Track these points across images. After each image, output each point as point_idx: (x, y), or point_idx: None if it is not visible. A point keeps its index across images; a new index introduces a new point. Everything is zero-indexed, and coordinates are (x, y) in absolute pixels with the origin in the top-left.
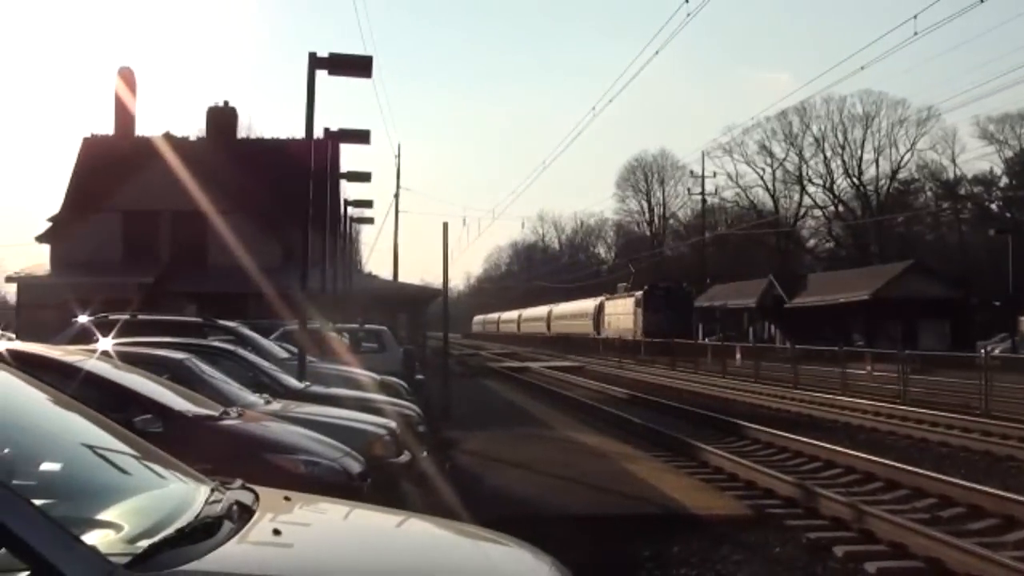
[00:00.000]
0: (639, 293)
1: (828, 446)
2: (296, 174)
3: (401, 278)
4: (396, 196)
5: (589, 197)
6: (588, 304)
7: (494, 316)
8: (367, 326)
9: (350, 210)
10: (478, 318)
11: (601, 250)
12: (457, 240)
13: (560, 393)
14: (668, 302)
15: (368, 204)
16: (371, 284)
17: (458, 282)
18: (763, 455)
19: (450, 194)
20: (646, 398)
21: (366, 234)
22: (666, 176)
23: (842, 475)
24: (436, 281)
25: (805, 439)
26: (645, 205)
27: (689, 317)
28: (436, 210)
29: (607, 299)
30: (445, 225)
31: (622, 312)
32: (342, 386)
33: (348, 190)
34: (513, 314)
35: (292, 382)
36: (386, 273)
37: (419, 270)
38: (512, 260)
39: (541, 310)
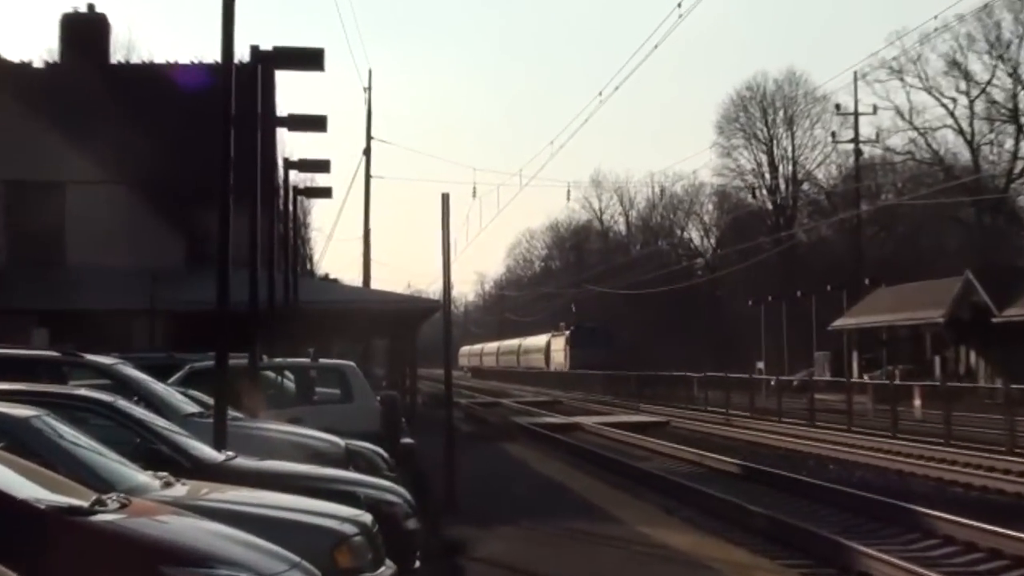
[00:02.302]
0: (568, 332)
1: None
2: (206, 120)
3: (376, 284)
4: (367, 152)
5: (674, 151)
6: (542, 340)
7: (478, 348)
8: (323, 361)
9: (295, 177)
10: (464, 350)
11: (694, 232)
12: (464, 221)
13: (622, 462)
14: (592, 340)
15: (322, 167)
16: (329, 295)
17: (467, 289)
18: (963, 565)
19: (451, 150)
20: (754, 469)
21: (321, 216)
22: (796, 114)
23: None
24: (431, 288)
25: None
26: (763, 159)
27: (613, 352)
28: (430, 175)
29: (553, 336)
30: (445, 198)
31: (557, 348)
32: (288, 457)
33: (293, 147)
34: (493, 346)
35: (205, 452)
36: (352, 277)
37: (404, 273)
38: (552, 250)
39: (514, 343)
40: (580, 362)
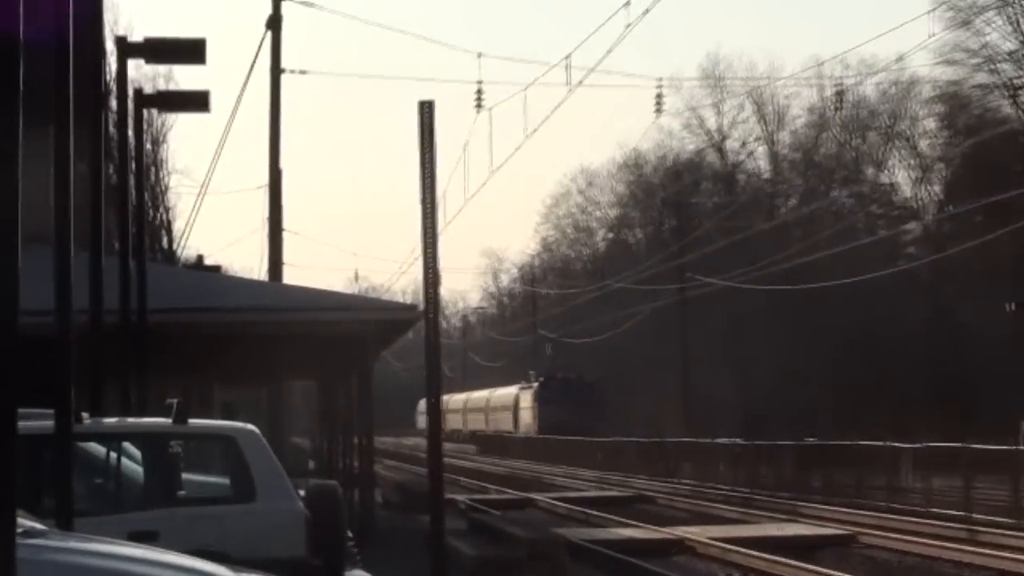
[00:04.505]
0: (536, 385)
1: None
2: None
3: (293, 276)
4: (273, 21)
5: (857, 19)
6: (510, 393)
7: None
8: (197, 424)
9: (139, 73)
10: (423, 404)
11: (900, 173)
12: (459, 155)
13: None
14: (566, 394)
15: (189, 51)
16: (207, 297)
17: (467, 285)
18: None
19: (436, 22)
20: None
21: (187, 150)
22: None
23: None
24: (396, 284)
25: None
26: None
27: (594, 410)
28: (394, 68)
29: (522, 389)
30: (425, 109)
31: (525, 406)
32: None
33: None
34: (459, 399)
35: None
36: (246, 266)
37: (344, 256)
38: (628, 207)
39: (482, 396)
40: (552, 423)
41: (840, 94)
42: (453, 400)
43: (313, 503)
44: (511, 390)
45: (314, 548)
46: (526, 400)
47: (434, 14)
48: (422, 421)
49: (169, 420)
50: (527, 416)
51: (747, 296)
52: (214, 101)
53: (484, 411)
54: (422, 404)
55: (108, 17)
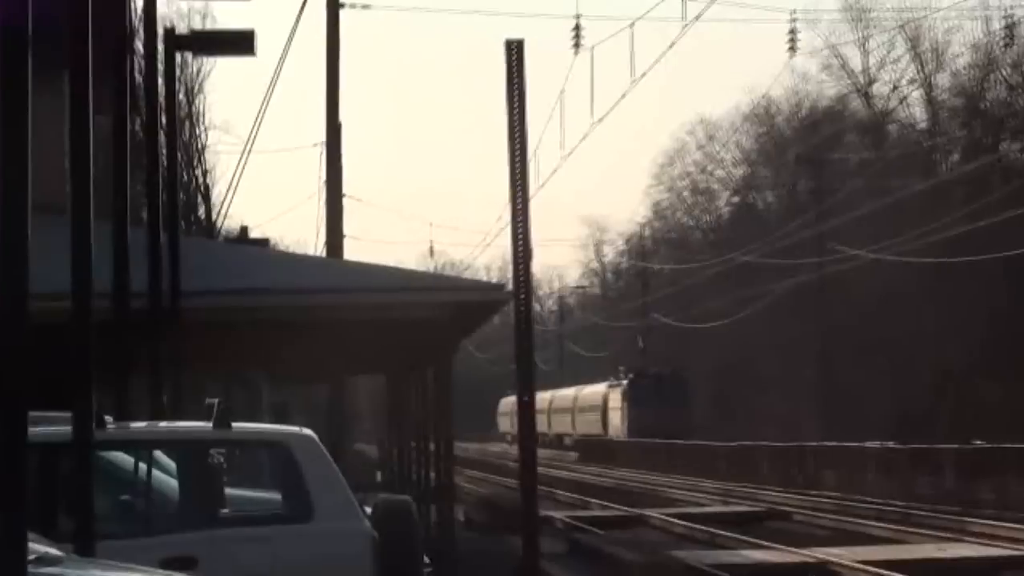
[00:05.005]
0: (625, 383)
1: None
2: None
3: (356, 251)
4: None
5: None
6: (598, 392)
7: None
8: (242, 428)
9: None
10: (507, 404)
11: None
12: (554, 104)
13: None
14: (658, 393)
15: None
16: (254, 277)
17: (566, 260)
18: None
19: None
20: None
21: (226, 103)
22: None
23: None
24: (478, 261)
25: None
26: None
27: (683, 411)
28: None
29: (610, 387)
30: (514, 50)
31: (615, 406)
32: None
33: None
34: (545, 397)
35: None
36: (299, 239)
37: (415, 227)
38: (756, 163)
39: (568, 395)
40: (642, 426)
41: (1011, 27)
42: (537, 399)
43: (382, 522)
44: (599, 388)
45: None
46: (615, 399)
47: None
48: (504, 423)
49: (209, 424)
50: (616, 418)
51: (900, 271)
52: (260, 43)
53: (571, 412)
54: (504, 403)
55: None
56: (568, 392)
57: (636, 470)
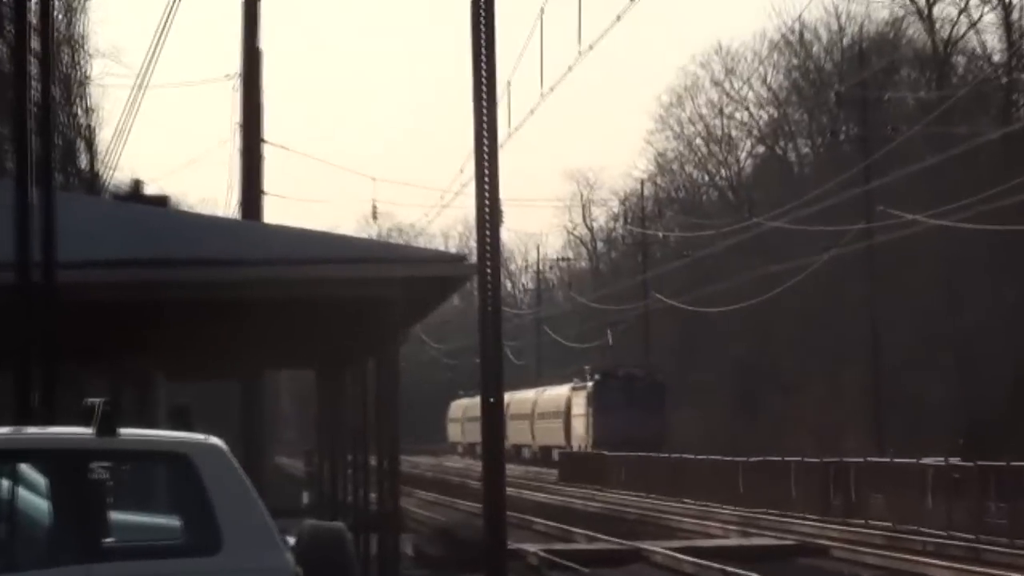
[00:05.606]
0: (590, 384)
1: None
2: None
3: (279, 212)
4: None
5: None
6: (560, 395)
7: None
8: (131, 436)
9: None
10: (457, 407)
11: None
12: (526, 37)
13: None
14: (629, 396)
15: None
16: (151, 244)
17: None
18: None
19: None
20: None
21: (124, 26)
22: None
23: None
24: (434, 225)
25: None
26: None
27: (658, 418)
28: None
29: (574, 390)
30: None
31: (579, 412)
32: None
33: None
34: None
35: None
36: (208, 195)
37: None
38: (784, 104)
39: (527, 397)
40: (610, 434)
41: None
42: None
43: (307, 556)
44: (562, 390)
45: None
46: (579, 404)
47: None
48: (454, 431)
49: (90, 430)
50: (580, 425)
51: (967, 241)
52: None
53: (530, 418)
54: (455, 407)
55: None
56: (527, 395)
57: (630, 492)
